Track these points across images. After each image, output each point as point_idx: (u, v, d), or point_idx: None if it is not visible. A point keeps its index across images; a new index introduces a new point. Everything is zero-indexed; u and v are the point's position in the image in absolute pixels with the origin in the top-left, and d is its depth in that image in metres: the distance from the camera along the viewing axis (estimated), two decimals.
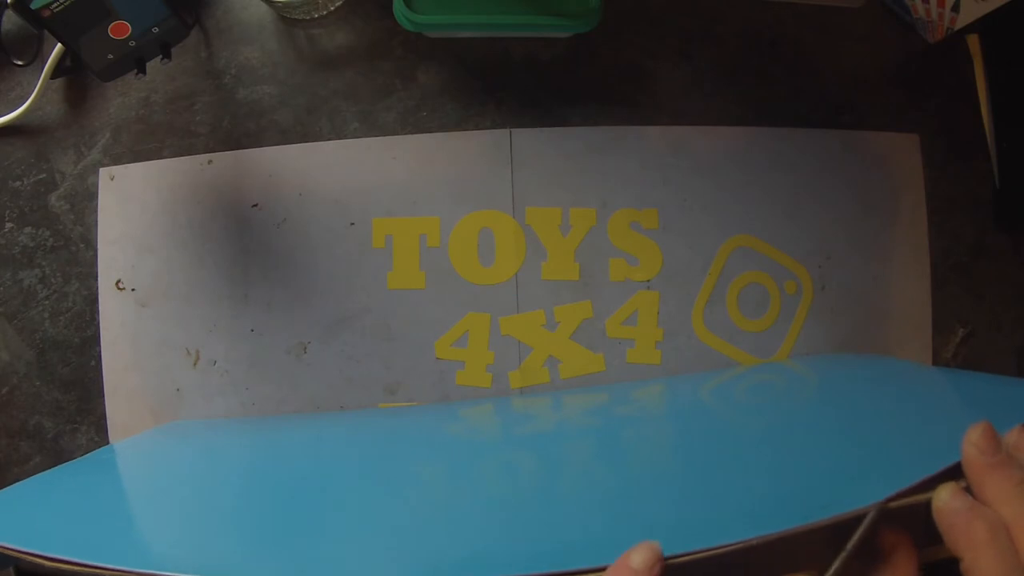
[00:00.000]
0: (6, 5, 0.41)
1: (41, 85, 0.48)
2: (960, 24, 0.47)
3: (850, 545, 0.21)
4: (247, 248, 0.48)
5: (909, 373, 0.45)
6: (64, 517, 0.30)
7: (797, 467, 0.28)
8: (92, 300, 0.48)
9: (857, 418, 0.35)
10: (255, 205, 0.48)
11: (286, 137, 0.49)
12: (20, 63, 0.47)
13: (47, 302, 0.48)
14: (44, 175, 0.49)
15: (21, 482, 0.34)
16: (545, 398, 0.47)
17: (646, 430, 0.39)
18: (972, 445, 0.22)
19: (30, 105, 0.48)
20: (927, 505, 0.22)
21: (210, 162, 0.48)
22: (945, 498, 0.22)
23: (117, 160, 0.49)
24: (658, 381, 0.48)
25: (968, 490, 0.22)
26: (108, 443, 0.47)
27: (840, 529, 0.21)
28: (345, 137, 0.49)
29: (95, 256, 0.48)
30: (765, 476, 0.27)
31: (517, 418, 0.45)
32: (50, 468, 0.40)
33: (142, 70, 0.42)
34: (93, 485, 0.36)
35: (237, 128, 0.49)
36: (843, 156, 0.50)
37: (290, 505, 0.31)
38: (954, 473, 0.23)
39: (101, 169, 0.48)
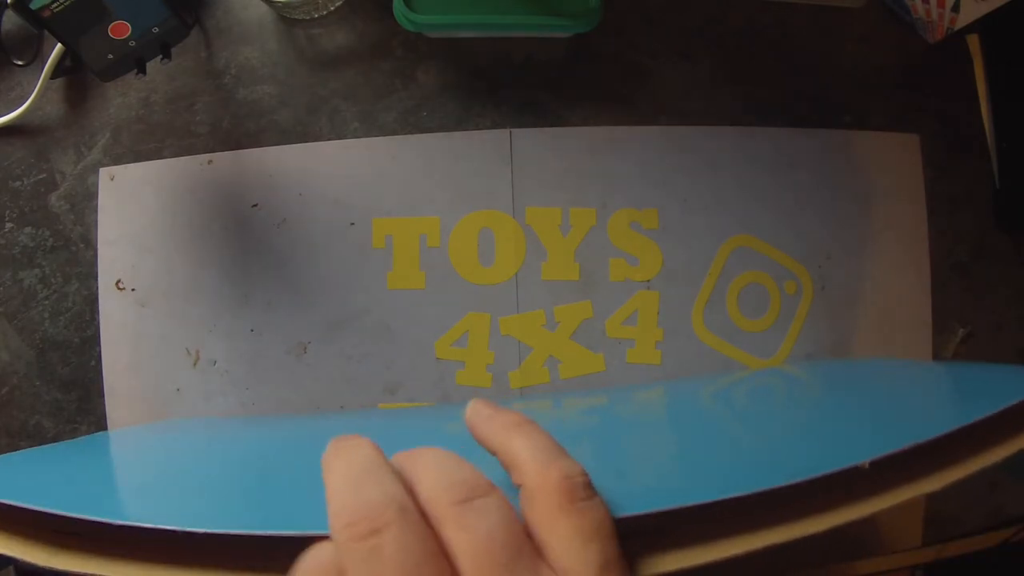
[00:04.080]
0: (6, 5, 0.41)
1: (41, 85, 0.48)
2: (960, 24, 0.47)
3: None
4: (247, 248, 0.48)
5: (907, 367, 0.45)
6: (42, 479, 0.31)
7: (796, 462, 0.28)
8: (92, 300, 0.48)
9: (850, 412, 0.35)
10: (255, 205, 0.48)
11: (286, 137, 0.49)
12: (20, 63, 0.47)
13: (47, 302, 0.48)
14: (44, 175, 0.49)
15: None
16: (545, 400, 0.47)
17: (646, 430, 0.39)
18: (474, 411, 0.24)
19: (30, 105, 0.48)
20: None
21: (210, 162, 0.48)
22: (471, 409, 0.24)
23: (117, 160, 0.49)
24: (659, 384, 0.48)
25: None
26: None
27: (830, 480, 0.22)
28: (345, 137, 0.49)
29: (95, 256, 0.48)
30: (764, 469, 0.27)
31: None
32: None
33: (142, 70, 0.42)
34: (76, 458, 0.37)
35: (237, 128, 0.49)
36: (843, 156, 0.50)
37: (266, 475, 0.32)
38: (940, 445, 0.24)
39: (101, 169, 0.48)
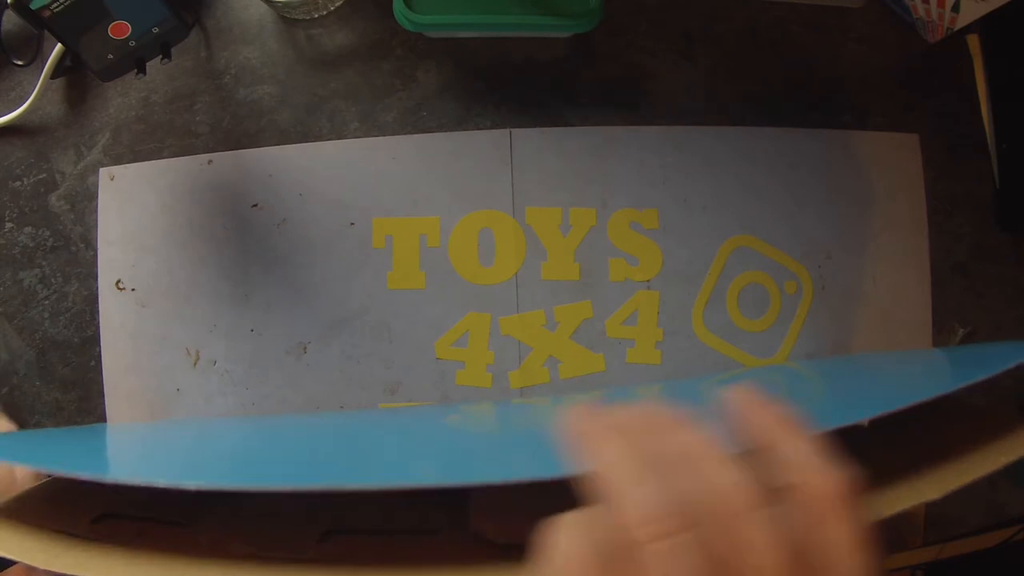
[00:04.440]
0: (6, 5, 0.41)
1: (41, 85, 0.48)
2: (960, 24, 0.47)
3: None
4: (247, 248, 0.48)
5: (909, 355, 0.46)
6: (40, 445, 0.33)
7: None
8: (92, 300, 0.48)
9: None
10: (255, 205, 0.48)
11: (286, 137, 0.49)
12: (20, 63, 0.47)
13: (47, 302, 0.48)
14: (44, 175, 0.49)
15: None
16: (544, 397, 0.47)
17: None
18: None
19: (30, 105, 0.48)
20: None
21: (210, 162, 0.48)
22: (738, 394, 0.23)
23: (117, 160, 0.49)
24: (658, 382, 0.48)
25: None
26: None
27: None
28: (345, 137, 0.49)
29: (95, 256, 0.48)
30: None
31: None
32: None
33: (142, 70, 0.42)
34: (73, 435, 0.39)
35: (237, 128, 0.49)
36: (843, 156, 0.50)
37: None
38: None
39: (101, 169, 0.48)
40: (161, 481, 0.22)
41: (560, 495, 0.25)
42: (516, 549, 0.24)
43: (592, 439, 0.21)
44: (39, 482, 0.39)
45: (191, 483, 0.22)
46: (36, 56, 0.48)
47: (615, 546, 0.19)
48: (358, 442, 0.35)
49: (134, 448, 0.37)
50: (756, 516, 0.19)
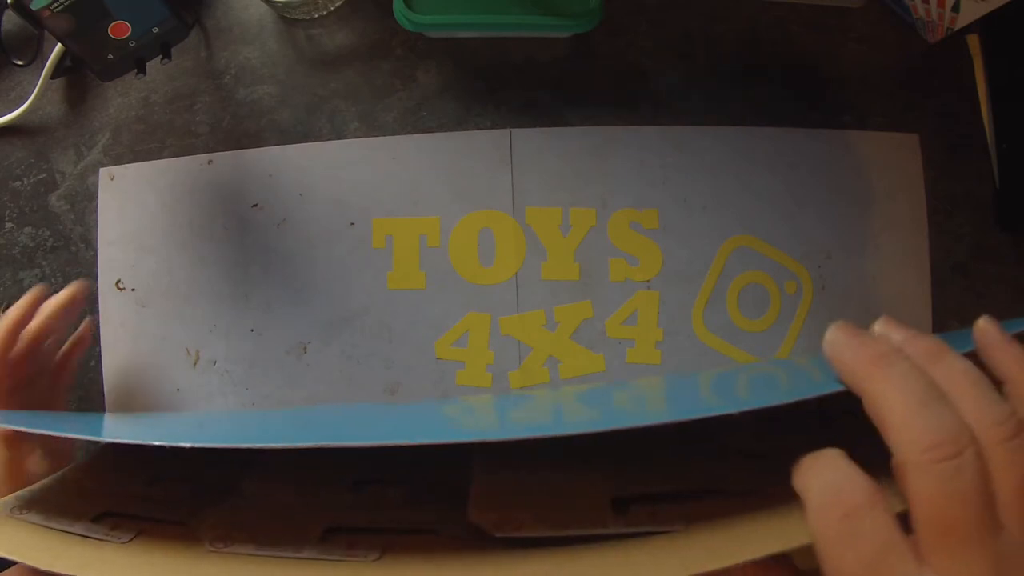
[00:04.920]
0: (6, 5, 0.41)
1: (41, 85, 0.48)
2: (960, 24, 0.47)
3: None
4: (247, 248, 0.48)
5: None
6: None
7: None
8: (92, 300, 0.48)
9: None
10: (255, 205, 0.48)
11: (286, 137, 0.49)
12: (20, 63, 0.47)
13: None
14: (44, 175, 0.49)
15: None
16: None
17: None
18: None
19: (30, 105, 0.48)
20: None
21: (210, 162, 0.48)
22: (982, 328, 0.25)
23: (117, 160, 0.49)
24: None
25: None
26: None
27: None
28: (345, 137, 0.49)
29: (95, 256, 0.48)
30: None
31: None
32: None
33: (142, 70, 0.42)
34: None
35: (237, 128, 0.49)
36: (843, 156, 0.50)
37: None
38: None
39: (101, 169, 0.48)
40: (157, 440, 0.23)
41: (563, 489, 0.24)
42: (516, 543, 0.24)
43: (870, 365, 0.22)
44: (48, 469, 0.40)
45: (186, 442, 0.22)
46: (36, 56, 0.48)
47: (894, 468, 0.20)
48: (371, 414, 0.36)
49: (133, 424, 0.38)
50: (1013, 444, 0.20)
